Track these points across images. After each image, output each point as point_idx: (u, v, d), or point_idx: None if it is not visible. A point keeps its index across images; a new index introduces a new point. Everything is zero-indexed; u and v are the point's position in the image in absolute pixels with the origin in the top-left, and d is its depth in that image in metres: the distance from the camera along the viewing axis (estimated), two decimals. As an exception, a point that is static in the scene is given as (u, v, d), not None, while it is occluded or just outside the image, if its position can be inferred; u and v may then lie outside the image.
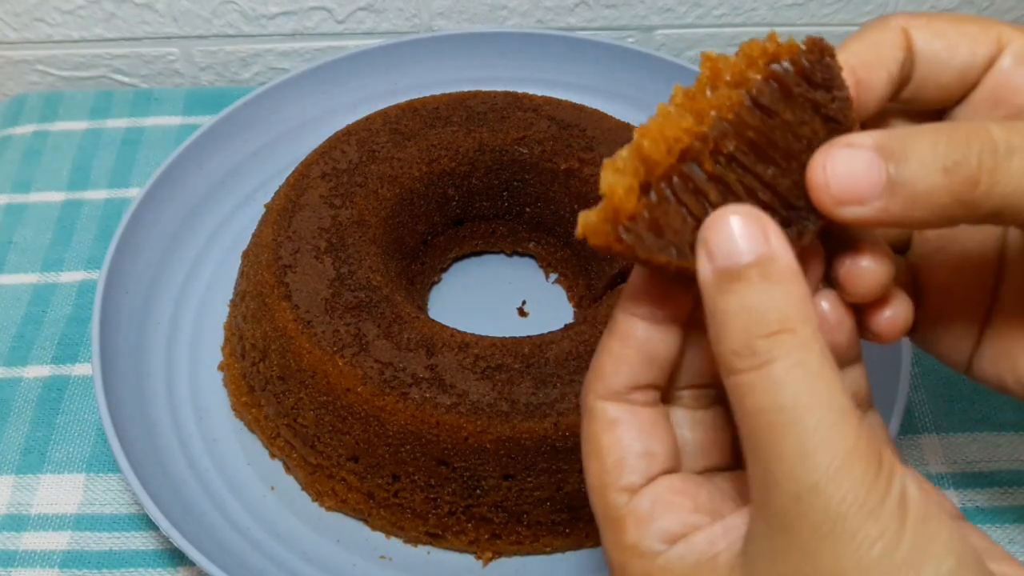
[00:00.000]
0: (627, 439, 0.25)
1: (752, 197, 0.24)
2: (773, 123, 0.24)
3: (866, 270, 0.26)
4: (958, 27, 0.27)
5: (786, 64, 0.24)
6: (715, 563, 0.24)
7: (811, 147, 0.24)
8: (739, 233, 0.22)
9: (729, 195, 0.24)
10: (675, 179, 0.24)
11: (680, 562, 0.24)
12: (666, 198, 0.23)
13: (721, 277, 0.22)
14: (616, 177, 0.23)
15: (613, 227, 0.23)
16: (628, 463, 0.25)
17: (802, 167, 0.24)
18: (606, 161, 0.23)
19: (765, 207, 0.24)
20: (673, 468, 0.26)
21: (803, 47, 0.24)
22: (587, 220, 0.23)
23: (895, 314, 0.27)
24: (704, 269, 0.23)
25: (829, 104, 0.24)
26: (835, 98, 0.24)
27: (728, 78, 0.24)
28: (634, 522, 0.25)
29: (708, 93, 0.24)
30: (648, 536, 0.25)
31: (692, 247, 0.23)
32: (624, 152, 0.23)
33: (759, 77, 0.24)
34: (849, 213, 0.23)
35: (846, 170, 0.23)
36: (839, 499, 0.21)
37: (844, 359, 0.26)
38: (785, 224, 0.24)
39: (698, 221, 0.23)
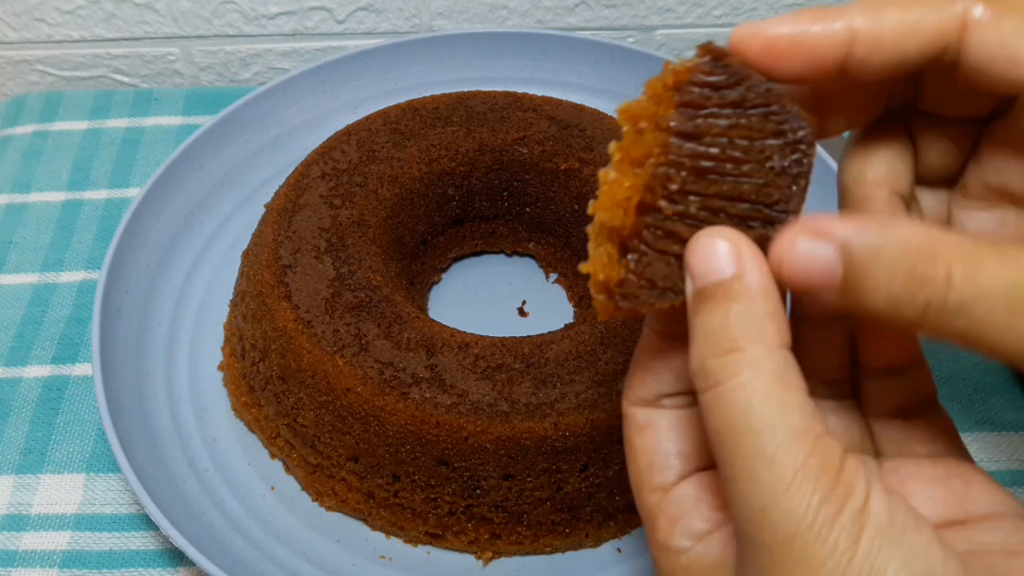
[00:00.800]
0: (658, 441, 0.26)
1: (723, 215, 0.24)
2: (705, 142, 0.24)
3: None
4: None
5: (688, 86, 0.24)
6: (724, 568, 0.24)
7: (755, 139, 0.24)
8: (709, 254, 0.23)
9: (698, 224, 0.24)
10: (644, 232, 0.24)
11: (700, 561, 0.24)
12: (644, 252, 0.24)
13: (695, 297, 0.23)
14: (593, 256, 0.25)
15: (610, 298, 0.24)
16: (659, 463, 0.26)
17: (760, 163, 0.24)
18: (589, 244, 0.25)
19: (741, 219, 0.24)
20: (708, 465, 0.26)
21: (696, 61, 0.25)
22: (596, 304, 0.25)
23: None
24: (687, 291, 0.23)
25: (748, 97, 0.24)
26: (750, 87, 0.24)
27: (644, 124, 0.25)
28: (665, 520, 0.25)
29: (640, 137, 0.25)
30: (676, 534, 0.25)
31: (683, 284, 0.24)
32: (590, 230, 0.25)
33: (671, 110, 0.24)
34: (792, 287, 0.23)
35: (803, 263, 0.22)
36: (785, 520, 0.21)
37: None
38: (768, 223, 0.23)
39: (681, 260, 0.24)
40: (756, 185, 0.23)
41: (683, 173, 0.24)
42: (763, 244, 0.23)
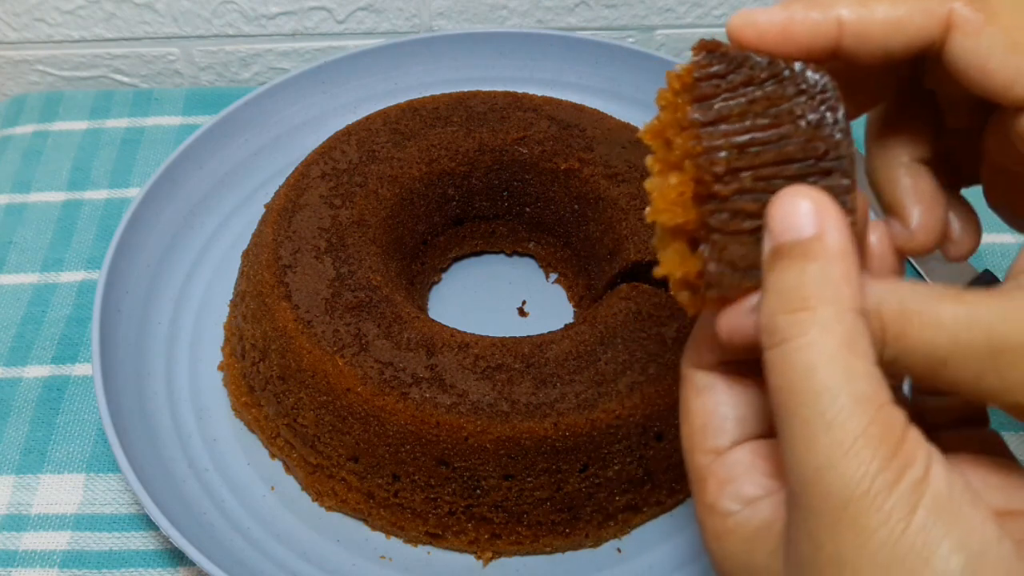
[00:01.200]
0: (716, 404, 0.26)
1: (779, 180, 0.24)
2: (733, 122, 0.24)
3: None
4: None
5: (695, 84, 0.25)
6: (771, 531, 0.24)
7: (780, 104, 0.24)
8: (791, 211, 0.23)
9: (759, 196, 0.24)
10: (709, 220, 0.24)
11: (746, 525, 0.25)
12: (716, 239, 0.24)
13: (771, 254, 0.23)
14: (663, 258, 0.25)
15: (695, 292, 0.25)
16: (714, 426, 0.26)
17: (795, 123, 0.24)
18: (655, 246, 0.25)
19: (798, 178, 0.24)
20: (765, 433, 0.26)
21: (695, 59, 0.25)
22: (681, 301, 0.25)
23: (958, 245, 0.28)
24: (764, 248, 0.23)
25: (755, 75, 0.25)
26: (752, 67, 0.25)
27: (669, 133, 0.25)
28: (715, 483, 0.26)
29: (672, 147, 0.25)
30: (725, 497, 0.25)
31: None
32: (654, 241, 0.25)
33: (688, 109, 0.25)
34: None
35: (747, 332, 0.24)
36: (841, 485, 0.21)
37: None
38: (826, 173, 0.24)
39: (755, 225, 0.24)
40: (799, 143, 0.24)
41: (723, 154, 0.24)
42: (838, 195, 0.23)
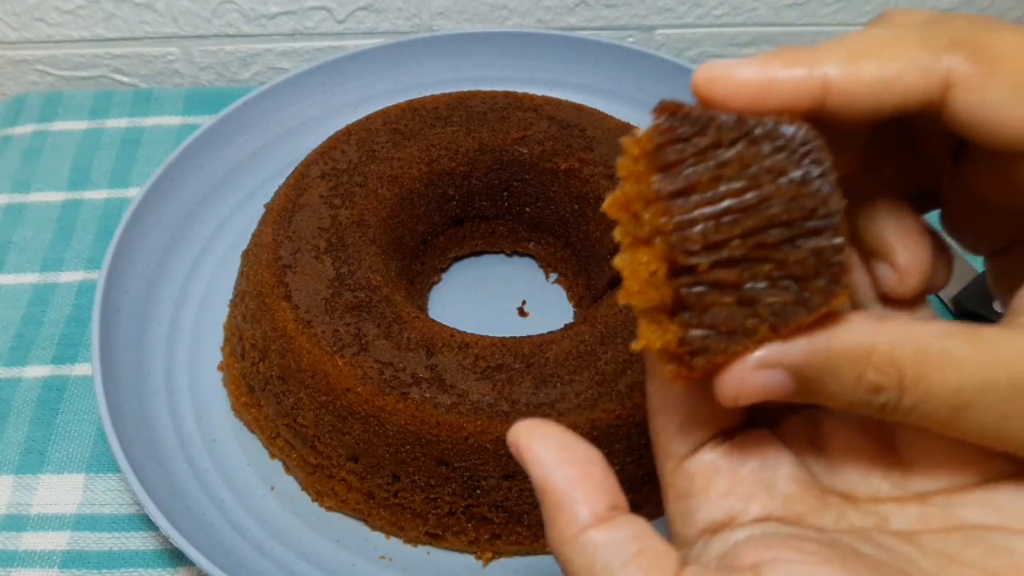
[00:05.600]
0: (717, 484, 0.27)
1: (762, 248, 0.22)
2: (703, 191, 0.22)
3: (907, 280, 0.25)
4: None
5: (657, 151, 0.23)
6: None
7: (754, 164, 0.22)
8: (511, 445, 0.24)
9: (741, 264, 0.22)
10: (686, 295, 0.22)
11: None
12: (696, 305, 0.22)
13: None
14: (643, 333, 0.23)
15: (680, 362, 0.23)
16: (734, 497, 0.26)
17: (775, 182, 0.22)
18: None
19: (785, 243, 0.22)
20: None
21: (655, 123, 0.23)
22: (668, 374, 0.23)
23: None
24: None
25: (723, 136, 0.22)
26: (719, 127, 0.22)
27: (635, 206, 0.23)
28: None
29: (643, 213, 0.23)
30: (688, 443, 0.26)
31: (750, 321, 0.22)
32: (640, 324, 0.23)
33: (651, 179, 0.23)
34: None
35: (759, 391, 0.22)
36: None
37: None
38: (816, 233, 0.22)
39: (738, 296, 0.22)
40: (783, 204, 0.22)
41: (698, 228, 0.22)
42: (827, 257, 0.22)
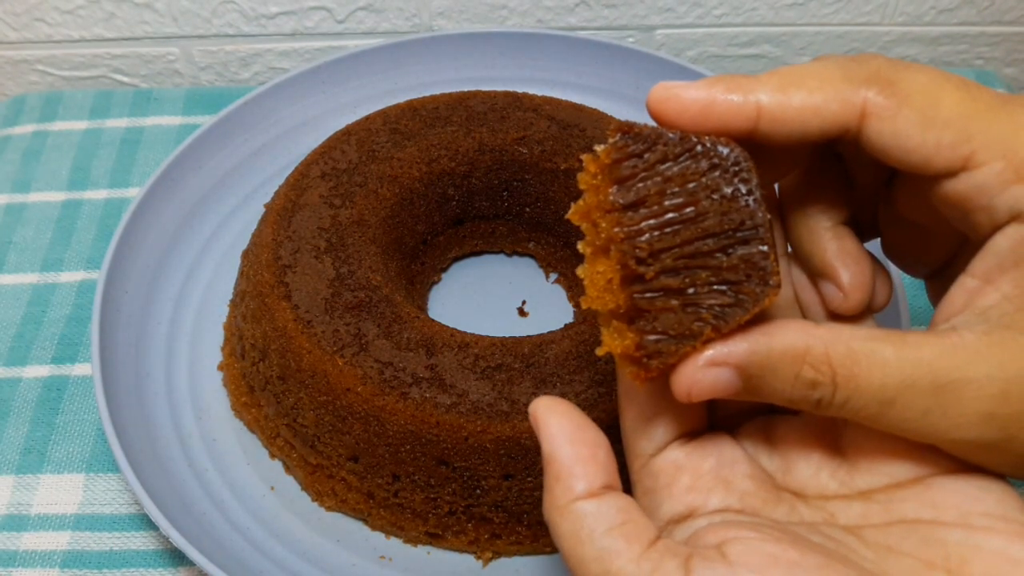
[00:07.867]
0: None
1: (698, 256, 0.25)
2: (651, 203, 0.25)
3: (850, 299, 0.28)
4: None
5: (612, 167, 0.26)
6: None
7: (694, 180, 0.25)
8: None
9: (683, 271, 0.25)
10: (638, 301, 0.25)
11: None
12: (647, 312, 0.25)
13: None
14: (605, 339, 0.26)
15: (637, 366, 0.25)
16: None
17: (711, 197, 0.25)
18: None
19: (718, 251, 0.25)
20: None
21: (611, 141, 0.26)
22: (629, 376, 0.26)
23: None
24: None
25: (669, 152, 0.25)
26: (666, 144, 0.25)
27: (595, 216, 0.26)
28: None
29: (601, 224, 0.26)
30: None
31: (695, 324, 0.25)
32: (602, 332, 0.26)
33: (608, 192, 0.26)
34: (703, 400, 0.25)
35: (709, 388, 0.25)
36: None
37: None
38: (744, 243, 0.25)
39: (682, 300, 0.25)
40: (716, 217, 0.25)
41: (645, 237, 0.25)
42: (756, 262, 0.24)
